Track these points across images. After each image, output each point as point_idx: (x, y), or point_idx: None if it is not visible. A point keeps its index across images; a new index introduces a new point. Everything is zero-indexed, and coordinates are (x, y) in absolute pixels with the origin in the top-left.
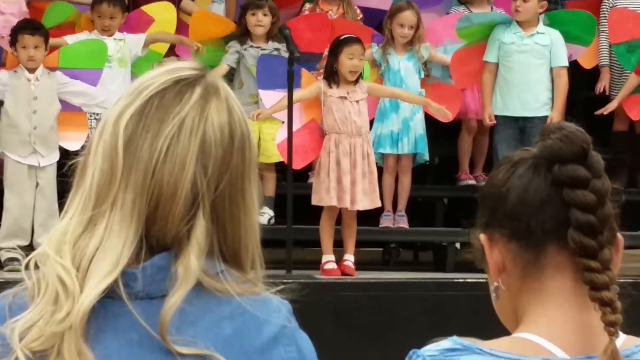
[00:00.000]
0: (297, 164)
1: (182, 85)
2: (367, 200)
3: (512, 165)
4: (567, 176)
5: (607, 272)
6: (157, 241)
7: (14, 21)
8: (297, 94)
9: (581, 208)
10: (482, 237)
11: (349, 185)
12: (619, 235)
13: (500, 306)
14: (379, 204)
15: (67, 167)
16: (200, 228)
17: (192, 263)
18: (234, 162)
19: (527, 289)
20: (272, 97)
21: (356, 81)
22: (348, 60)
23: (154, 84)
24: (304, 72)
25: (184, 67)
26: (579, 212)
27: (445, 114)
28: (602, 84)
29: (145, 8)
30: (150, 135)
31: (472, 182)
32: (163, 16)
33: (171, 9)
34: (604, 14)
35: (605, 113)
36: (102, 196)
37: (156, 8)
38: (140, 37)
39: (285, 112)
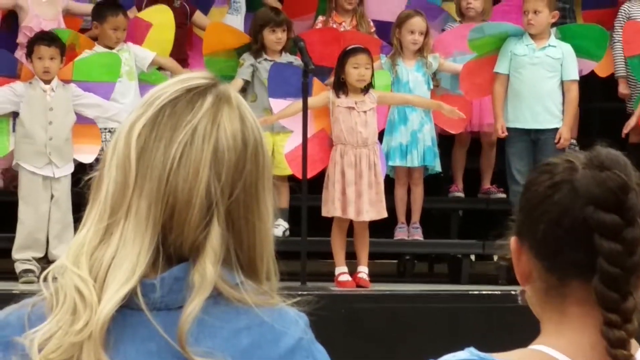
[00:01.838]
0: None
1: (193, 94)
2: (373, 211)
3: (551, 186)
4: (597, 223)
5: (627, 326)
6: (174, 250)
7: None
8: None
9: (608, 260)
10: (513, 240)
11: (353, 196)
12: None
13: (530, 305)
14: (385, 215)
15: (84, 182)
16: (216, 235)
17: (207, 270)
18: (248, 169)
19: (549, 306)
20: (282, 106)
21: (366, 91)
22: (354, 70)
23: (165, 94)
24: (315, 80)
25: (195, 76)
26: (605, 263)
27: (458, 115)
28: (623, 92)
29: (141, 14)
30: (163, 144)
31: (460, 194)
32: (160, 20)
33: (167, 11)
34: (620, 23)
35: (625, 132)
36: (117, 206)
37: (152, 13)
38: (149, 55)
39: (293, 121)
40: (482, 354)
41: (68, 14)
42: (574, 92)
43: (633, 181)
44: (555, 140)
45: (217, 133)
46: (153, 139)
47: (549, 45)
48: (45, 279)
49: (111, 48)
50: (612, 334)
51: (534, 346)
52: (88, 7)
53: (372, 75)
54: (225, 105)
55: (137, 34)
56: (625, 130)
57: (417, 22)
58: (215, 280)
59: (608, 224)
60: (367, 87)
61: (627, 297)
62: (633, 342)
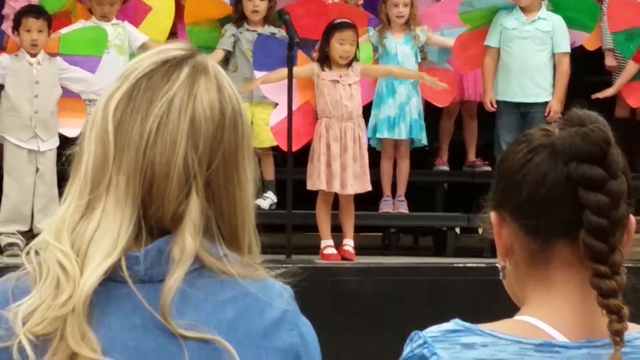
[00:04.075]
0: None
1: (169, 66)
2: (358, 185)
3: (531, 150)
4: (582, 176)
5: (616, 277)
6: (155, 222)
7: None
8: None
9: (594, 211)
10: (493, 215)
11: (338, 169)
12: (632, 217)
13: (508, 284)
14: (369, 188)
15: (65, 157)
16: (195, 206)
17: (187, 242)
18: (227, 139)
19: (532, 276)
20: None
21: (350, 64)
22: (339, 46)
23: (141, 66)
24: (300, 53)
25: (172, 48)
26: (592, 215)
27: (439, 86)
28: (610, 64)
29: None
30: (139, 117)
31: (445, 167)
32: (161, 5)
33: None
34: None
35: (600, 97)
36: (97, 181)
37: None
38: (141, 38)
39: (278, 94)
40: (467, 324)
41: None
42: (565, 65)
43: (612, 137)
44: (545, 113)
45: (194, 104)
46: (129, 113)
47: (539, 18)
48: (27, 254)
49: (107, 20)
50: (603, 283)
51: (519, 317)
52: None
53: (357, 48)
54: (202, 76)
55: (136, 16)
56: (600, 96)
57: None
58: (197, 251)
59: (593, 176)
60: (351, 61)
61: (614, 249)
62: (634, 324)
